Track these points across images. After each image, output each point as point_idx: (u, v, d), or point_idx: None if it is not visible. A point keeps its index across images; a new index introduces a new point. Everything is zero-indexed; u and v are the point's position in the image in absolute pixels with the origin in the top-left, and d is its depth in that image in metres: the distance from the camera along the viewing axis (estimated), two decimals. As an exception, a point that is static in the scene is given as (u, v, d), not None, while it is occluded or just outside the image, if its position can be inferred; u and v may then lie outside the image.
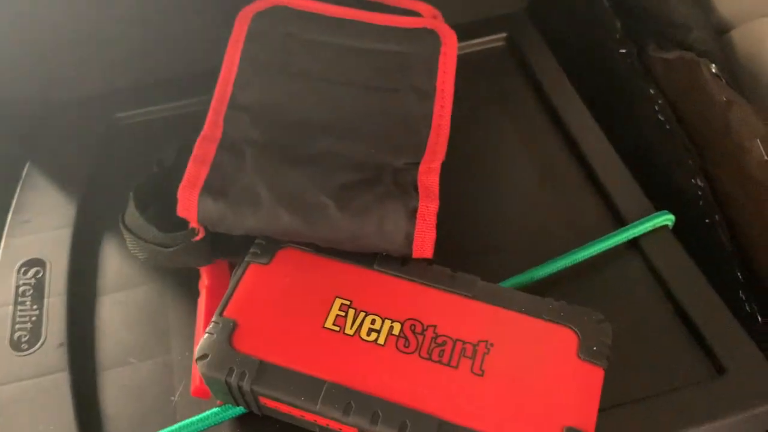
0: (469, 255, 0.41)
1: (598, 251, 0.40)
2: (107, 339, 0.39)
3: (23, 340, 0.38)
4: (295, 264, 0.35)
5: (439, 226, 0.41)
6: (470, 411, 0.30)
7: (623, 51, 0.50)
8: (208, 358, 0.31)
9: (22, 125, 0.49)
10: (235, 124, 0.39)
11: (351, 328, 0.32)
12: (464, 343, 0.32)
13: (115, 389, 0.37)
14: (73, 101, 0.50)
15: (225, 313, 0.33)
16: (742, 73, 0.47)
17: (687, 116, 0.47)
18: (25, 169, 0.47)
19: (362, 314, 0.33)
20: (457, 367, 0.31)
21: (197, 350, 0.32)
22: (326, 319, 0.32)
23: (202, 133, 0.39)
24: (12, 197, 0.45)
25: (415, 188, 0.36)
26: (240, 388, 0.31)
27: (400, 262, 0.35)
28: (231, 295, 0.34)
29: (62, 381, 0.37)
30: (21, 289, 0.40)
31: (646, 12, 0.50)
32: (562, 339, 0.32)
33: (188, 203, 0.35)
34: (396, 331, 0.32)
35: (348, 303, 0.33)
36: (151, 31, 0.49)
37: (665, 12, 0.48)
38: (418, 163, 0.38)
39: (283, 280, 0.34)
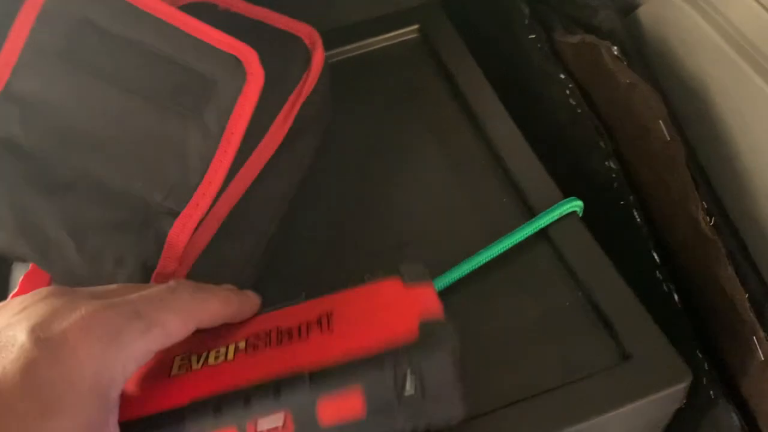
0: (379, 254, 0.41)
1: (508, 246, 0.40)
2: None
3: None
4: None
5: (347, 225, 0.40)
6: (333, 354, 0.29)
7: (532, 36, 0.49)
8: None
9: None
10: (2, 117, 0.35)
11: (198, 364, 0.31)
12: (308, 322, 0.31)
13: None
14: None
15: None
16: (648, 52, 0.47)
17: (596, 99, 0.47)
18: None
19: (204, 353, 0.31)
20: (308, 336, 0.30)
21: None
22: (171, 370, 0.31)
23: None
24: None
25: (162, 243, 0.34)
26: None
27: None
28: None
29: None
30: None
31: (553, -5, 0.50)
32: (390, 285, 0.32)
33: None
34: (242, 346, 0.31)
35: (186, 355, 0.32)
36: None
37: (571, -6, 0.48)
38: (177, 213, 0.35)
39: None
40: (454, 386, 0.29)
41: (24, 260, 0.37)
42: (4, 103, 0.36)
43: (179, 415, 0.29)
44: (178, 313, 0.28)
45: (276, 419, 0.28)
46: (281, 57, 0.38)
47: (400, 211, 0.43)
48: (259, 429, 0.28)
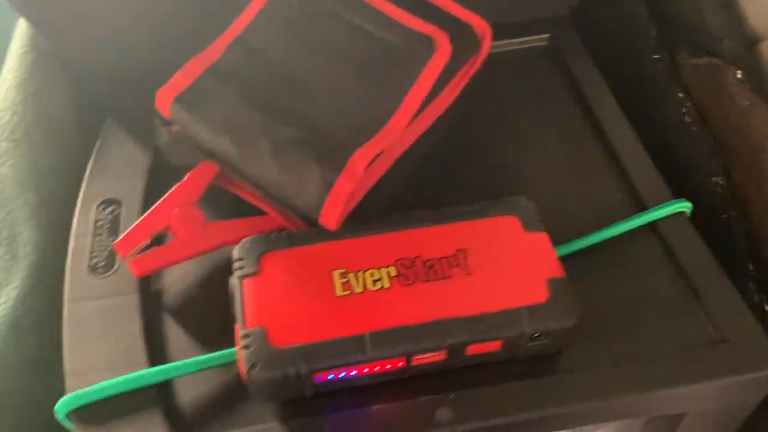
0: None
1: (619, 232, 0.44)
2: (173, 270, 0.44)
3: (99, 265, 0.43)
4: (282, 262, 0.38)
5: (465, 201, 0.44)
6: (479, 301, 0.36)
7: (656, 56, 0.54)
8: (258, 366, 0.34)
9: (107, 85, 0.54)
10: (233, 54, 0.44)
11: (359, 287, 0.37)
12: (447, 258, 0.38)
13: (177, 312, 0.42)
14: (150, 69, 0.55)
15: (248, 326, 0.35)
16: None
17: (711, 118, 0.51)
18: (107, 123, 0.52)
19: (360, 273, 0.37)
20: (452, 276, 0.37)
21: (245, 363, 0.34)
22: (335, 289, 0.37)
23: (201, 53, 0.45)
24: (94, 145, 0.50)
25: (343, 165, 0.39)
26: (298, 374, 0.34)
27: (364, 225, 0.40)
28: (242, 310, 0.36)
29: (132, 302, 0.41)
30: (99, 223, 0.46)
31: (680, 21, 0.54)
32: (509, 224, 0.40)
33: (163, 102, 0.43)
34: (393, 273, 0.37)
35: (344, 271, 0.37)
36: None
37: (699, 22, 0.52)
38: (359, 145, 0.40)
39: (279, 279, 0.37)
40: (571, 331, 0.36)
41: (220, 161, 0.43)
42: (235, 46, 0.45)
43: (361, 344, 0.35)
44: None
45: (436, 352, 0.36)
46: (456, 35, 0.45)
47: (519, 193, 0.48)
48: (421, 359, 0.36)
